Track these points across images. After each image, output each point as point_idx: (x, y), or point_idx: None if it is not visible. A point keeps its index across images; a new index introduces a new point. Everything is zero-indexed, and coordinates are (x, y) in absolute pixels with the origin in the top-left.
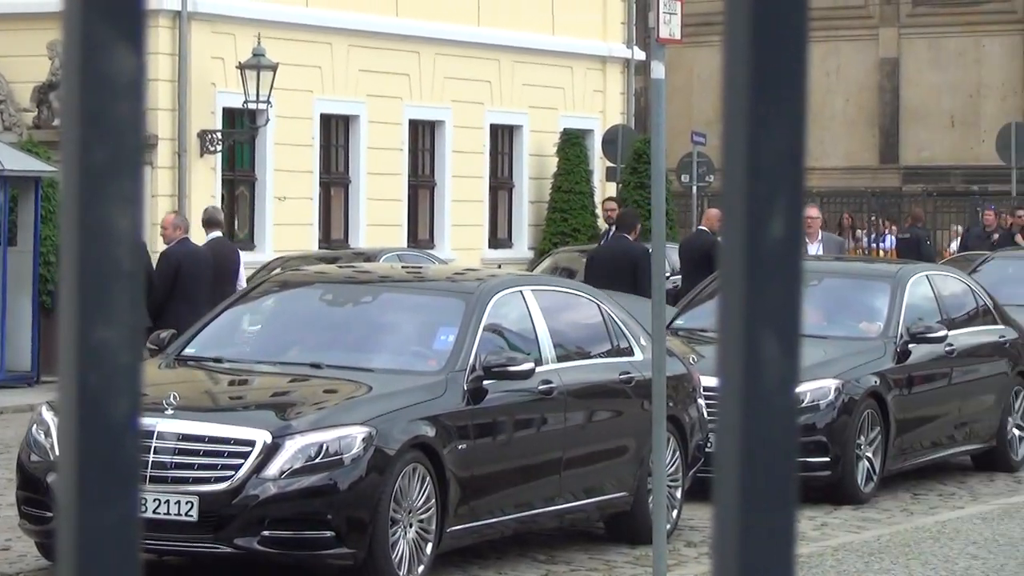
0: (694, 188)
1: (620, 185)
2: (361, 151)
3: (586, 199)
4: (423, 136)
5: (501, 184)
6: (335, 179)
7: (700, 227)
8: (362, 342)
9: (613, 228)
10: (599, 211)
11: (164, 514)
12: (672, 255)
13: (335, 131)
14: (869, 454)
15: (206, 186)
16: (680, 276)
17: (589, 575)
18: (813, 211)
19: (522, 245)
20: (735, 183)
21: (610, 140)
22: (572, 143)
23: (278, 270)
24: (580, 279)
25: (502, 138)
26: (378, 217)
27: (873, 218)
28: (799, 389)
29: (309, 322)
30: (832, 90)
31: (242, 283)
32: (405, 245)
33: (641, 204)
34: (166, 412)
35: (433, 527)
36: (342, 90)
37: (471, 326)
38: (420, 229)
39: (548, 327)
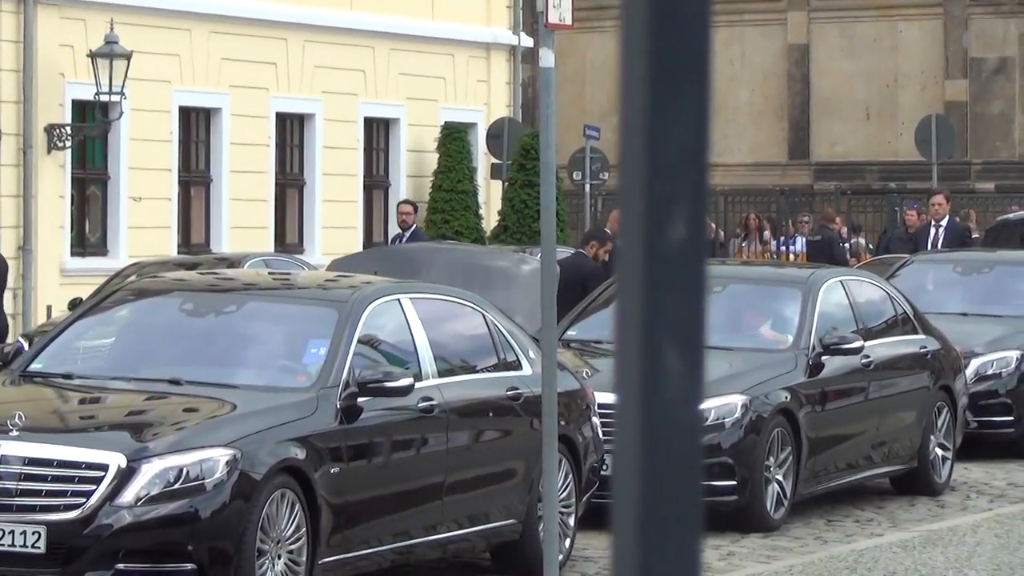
0: (587, 187)
1: (506, 183)
2: (224, 147)
3: (469, 199)
4: (291, 130)
5: (376, 183)
6: (195, 177)
7: (580, 251)
8: (225, 356)
9: (407, 233)
10: (482, 212)
11: (8, 545)
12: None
13: (195, 125)
14: (779, 477)
15: (54, 185)
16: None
17: None
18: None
19: None
20: (632, 182)
21: (495, 134)
22: (454, 138)
23: (133, 277)
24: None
25: (378, 132)
26: (242, 219)
27: (781, 218)
28: (703, 406)
29: (167, 334)
30: (737, 79)
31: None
32: (272, 249)
33: (529, 204)
34: (10, 434)
35: (304, 558)
36: (203, 81)
37: (344, 338)
38: (288, 232)
39: (429, 339)
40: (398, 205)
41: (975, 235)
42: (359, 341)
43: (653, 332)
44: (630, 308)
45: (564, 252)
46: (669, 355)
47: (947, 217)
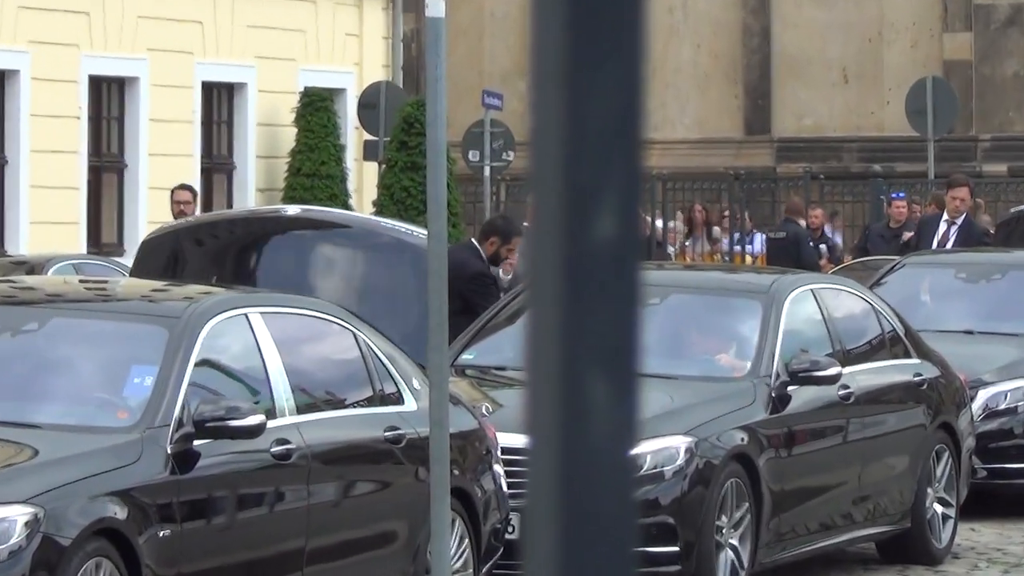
0: (486, 170)
1: (383, 166)
2: (22, 119)
3: (335, 186)
4: (109, 98)
5: (218, 165)
6: None
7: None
8: (24, 387)
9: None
10: (352, 202)
11: None
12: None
13: None
14: (734, 541)
15: None
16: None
17: None
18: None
19: None
20: (546, 164)
21: (369, 103)
22: (316, 108)
23: None
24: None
25: (219, 101)
26: (46, 212)
27: (736, 210)
28: (636, 450)
29: None
30: (678, 33)
31: None
32: (84, 251)
33: (413, 193)
34: None
35: None
36: None
37: (177, 364)
38: (105, 228)
39: (285, 365)
40: (172, 191)
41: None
42: (196, 367)
43: (573, 355)
44: (544, 325)
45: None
46: (594, 384)
47: (964, 215)
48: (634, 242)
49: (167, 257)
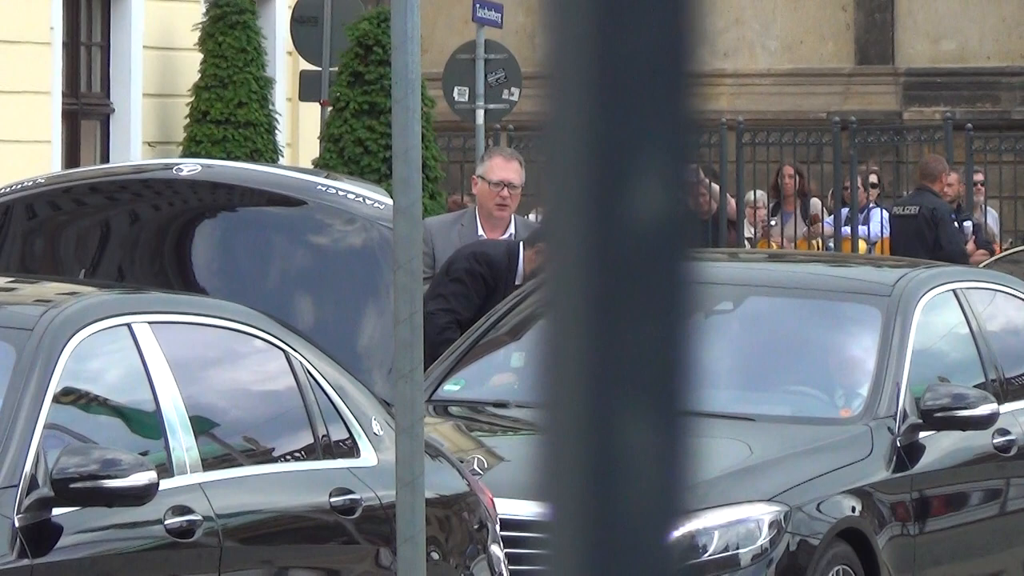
0: (479, 114)
1: (329, 108)
2: None
3: (259, 137)
4: None
5: (88, 108)
6: None
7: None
8: None
9: None
10: (283, 159)
11: None
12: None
13: None
14: None
15: None
16: (441, 299)
17: None
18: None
19: None
20: (564, 110)
21: (307, 17)
22: (231, 24)
23: None
24: None
25: (89, 15)
26: None
27: (842, 175)
28: (697, 523)
29: None
30: None
31: None
32: None
33: (372, 149)
34: None
35: None
36: None
37: (28, 398)
38: None
39: (185, 400)
40: None
41: None
42: (56, 403)
43: (602, 386)
44: (562, 343)
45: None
46: (631, 429)
47: None
48: (687, 222)
49: None
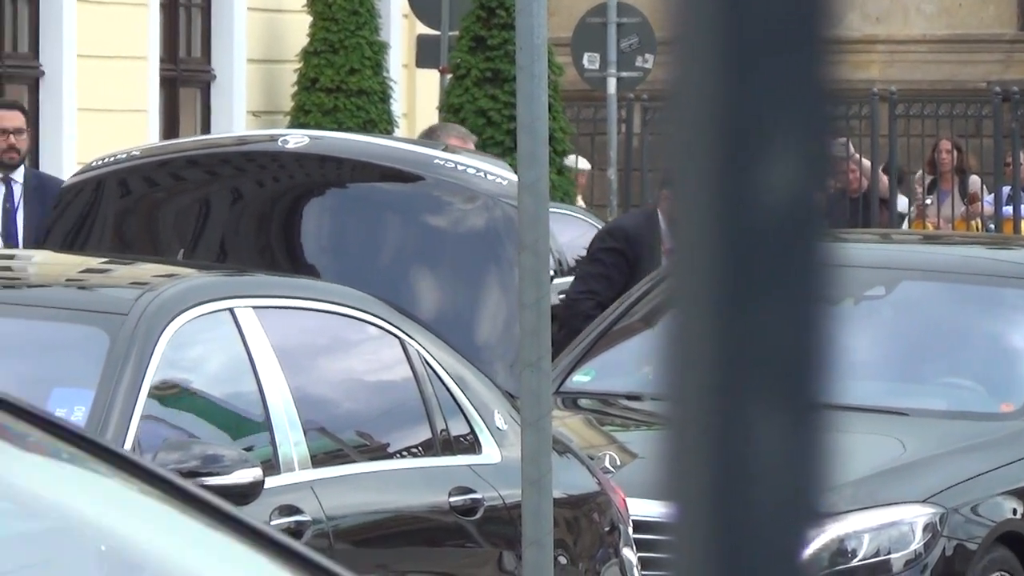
0: (611, 82)
1: (449, 76)
2: None
3: (372, 106)
4: None
5: (187, 74)
6: None
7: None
8: None
9: (16, 181)
10: (399, 131)
11: None
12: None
13: None
14: None
15: None
16: (580, 282)
17: None
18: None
19: None
20: (690, 78)
21: None
22: None
23: None
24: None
25: None
26: None
27: (1006, 150)
28: (845, 526)
29: None
30: None
31: None
32: None
33: (495, 120)
34: None
35: None
36: None
37: (123, 388)
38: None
39: (293, 391)
40: None
41: None
42: (152, 393)
43: (732, 377)
44: (689, 331)
45: (568, 215)
46: (763, 422)
47: None
48: (824, 200)
49: (80, 217)
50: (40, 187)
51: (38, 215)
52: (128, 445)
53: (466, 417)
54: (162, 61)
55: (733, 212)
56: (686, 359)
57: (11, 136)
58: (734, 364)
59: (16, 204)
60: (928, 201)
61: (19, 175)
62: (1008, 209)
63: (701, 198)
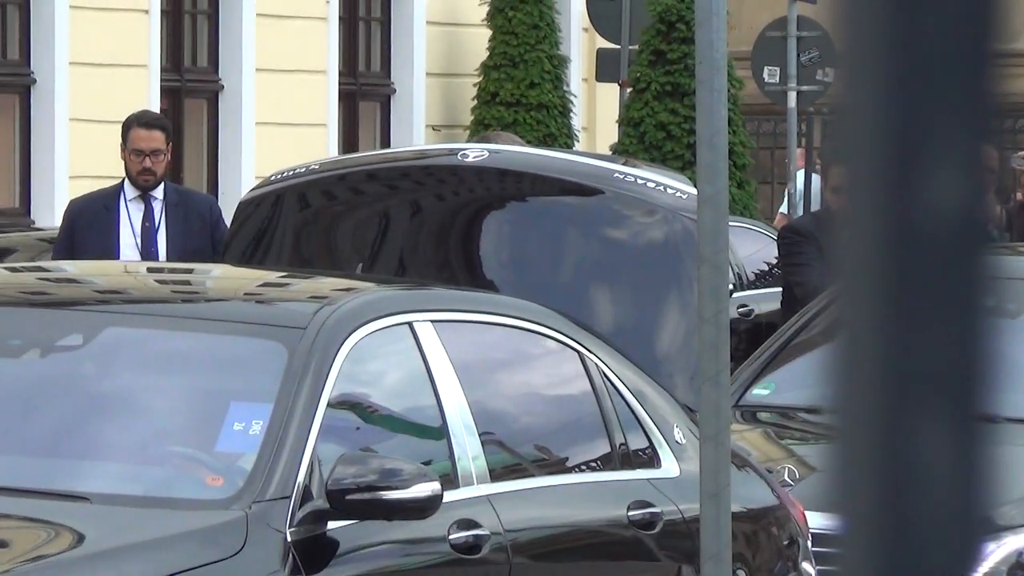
0: (791, 96)
1: (629, 90)
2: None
3: (552, 120)
4: None
5: (366, 88)
6: None
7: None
8: (64, 438)
9: (158, 200)
10: (579, 145)
11: None
12: (746, 244)
13: None
14: None
15: None
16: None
17: None
18: None
19: None
20: (857, 94)
21: None
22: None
23: None
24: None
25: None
26: (88, 159)
27: None
28: (1004, 547)
29: None
30: None
31: None
32: None
33: (675, 134)
34: None
35: None
36: None
37: (301, 402)
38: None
39: (471, 404)
40: (127, 129)
41: None
42: (331, 408)
43: (897, 392)
44: (855, 344)
45: (748, 228)
46: (930, 436)
47: None
48: (986, 214)
49: (258, 231)
50: (181, 203)
51: (180, 232)
52: (306, 459)
53: (645, 431)
54: (341, 75)
55: (898, 225)
56: (853, 373)
57: (147, 158)
58: (900, 377)
59: (157, 223)
60: None
61: (159, 191)
62: None
63: (866, 211)
